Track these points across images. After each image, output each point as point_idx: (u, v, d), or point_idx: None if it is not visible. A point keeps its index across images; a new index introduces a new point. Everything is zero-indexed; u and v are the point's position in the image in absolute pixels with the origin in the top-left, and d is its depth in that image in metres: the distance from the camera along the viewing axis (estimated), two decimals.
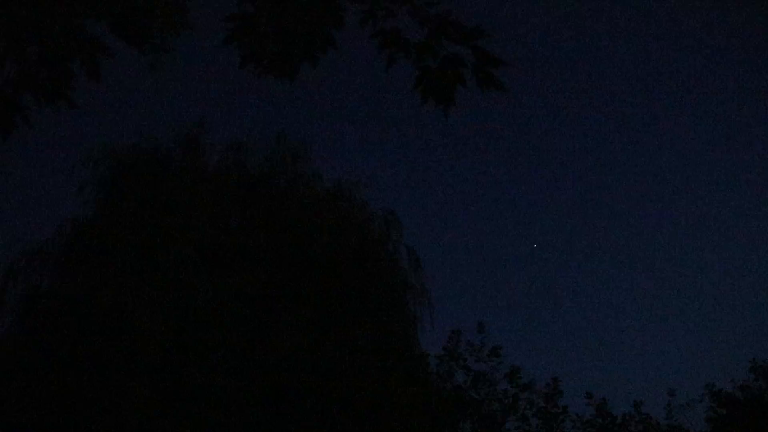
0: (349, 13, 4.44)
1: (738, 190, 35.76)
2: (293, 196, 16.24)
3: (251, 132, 17.20)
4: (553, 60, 37.69)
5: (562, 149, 36.70)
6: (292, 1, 4.43)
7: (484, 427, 19.26)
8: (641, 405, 21.36)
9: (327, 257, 15.08)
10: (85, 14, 4.42)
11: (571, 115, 37.63)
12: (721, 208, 35.83)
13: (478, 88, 4.25)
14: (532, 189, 36.52)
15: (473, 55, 4.22)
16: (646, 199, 36.88)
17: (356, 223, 16.28)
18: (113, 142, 16.31)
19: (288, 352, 13.68)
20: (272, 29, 4.53)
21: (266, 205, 15.97)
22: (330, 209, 16.05)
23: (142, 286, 13.73)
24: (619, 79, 36.76)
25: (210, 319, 13.67)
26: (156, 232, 14.71)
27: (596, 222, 37.70)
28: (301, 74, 4.64)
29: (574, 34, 37.11)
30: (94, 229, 15.14)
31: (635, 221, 37.12)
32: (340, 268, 15.07)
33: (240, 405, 13.11)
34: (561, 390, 20.81)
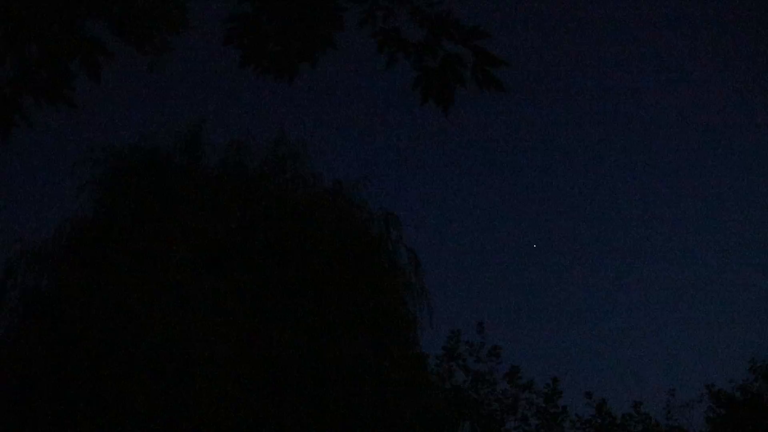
0: (349, 13, 4.44)
1: (738, 190, 35.81)
2: (293, 196, 16.25)
3: (251, 132, 17.20)
4: (554, 60, 37.73)
5: (562, 149, 36.74)
6: (292, 1, 4.44)
7: (484, 427, 19.28)
8: (641, 405, 21.41)
9: (326, 257, 15.09)
10: (85, 14, 4.42)
11: (571, 115, 37.68)
12: (721, 208, 35.87)
13: (478, 88, 4.26)
14: (532, 189, 36.56)
15: (473, 55, 4.23)
16: (646, 199, 36.93)
17: (356, 223, 16.28)
18: (113, 142, 16.33)
19: (287, 352, 13.69)
20: (272, 29, 4.53)
21: (266, 205, 15.99)
22: (330, 209, 16.06)
23: (142, 286, 13.74)
24: (619, 79, 36.79)
25: (209, 319, 13.68)
26: (156, 232, 14.72)
27: (596, 222, 37.74)
28: (300, 74, 4.65)
29: (574, 34, 37.13)
30: (94, 229, 15.15)
31: (635, 221, 37.15)
32: (340, 268, 15.08)
33: (239, 404, 13.11)
34: (560, 390, 20.87)
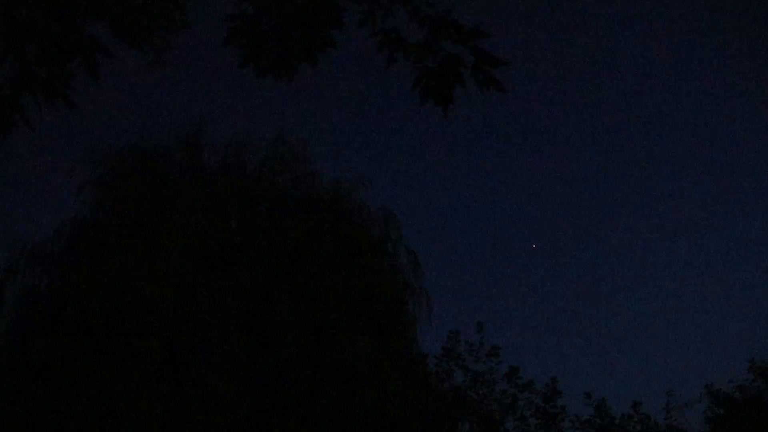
0: (349, 13, 4.45)
1: (738, 190, 35.78)
2: (293, 196, 16.26)
3: (251, 132, 17.23)
4: (554, 60, 37.69)
5: (562, 149, 36.71)
6: (291, 1, 4.44)
7: (483, 427, 19.26)
8: (640, 405, 21.38)
9: (326, 257, 15.10)
10: (85, 14, 4.42)
11: (571, 115, 37.67)
12: (721, 208, 35.86)
13: (477, 88, 4.27)
14: (532, 189, 36.49)
15: (472, 55, 4.24)
16: (646, 199, 36.87)
17: (355, 223, 16.29)
18: (113, 142, 16.33)
19: (287, 351, 13.69)
20: (272, 29, 4.54)
21: (266, 205, 16.00)
22: (329, 209, 16.07)
23: (142, 285, 13.74)
24: (619, 79, 36.78)
25: (209, 319, 13.69)
26: (156, 232, 14.73)
27: (596, 222, 37.68)
28: (300, 74, 4.65)
29: (574, 34, 37.12)
30: (94, 229, 15.15)
31: (635, 221, 37.14)
32: (340, 268, 15.09)
33: (239, 404, 13.12)
34: (560, 390, 20.84)
